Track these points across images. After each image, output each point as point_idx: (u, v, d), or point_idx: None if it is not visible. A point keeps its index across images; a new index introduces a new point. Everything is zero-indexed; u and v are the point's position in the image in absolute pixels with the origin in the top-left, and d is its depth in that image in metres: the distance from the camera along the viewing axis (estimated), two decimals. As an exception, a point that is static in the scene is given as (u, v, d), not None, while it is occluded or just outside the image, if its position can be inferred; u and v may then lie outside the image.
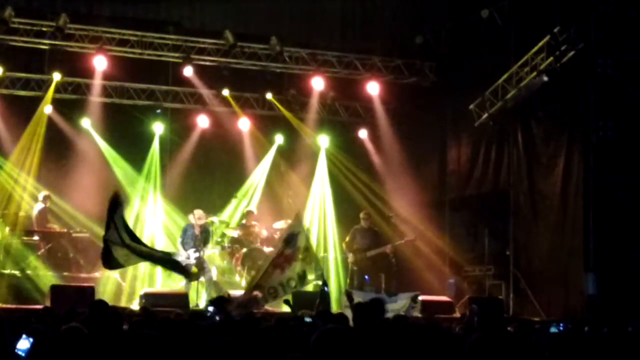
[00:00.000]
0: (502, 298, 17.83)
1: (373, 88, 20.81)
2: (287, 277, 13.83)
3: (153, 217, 20.59)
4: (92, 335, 6.96)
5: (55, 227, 19.03)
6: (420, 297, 16.75)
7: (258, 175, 21.61)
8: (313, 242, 18.86)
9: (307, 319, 9.04)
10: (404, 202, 20.62)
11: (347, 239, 19.27)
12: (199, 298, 17.41)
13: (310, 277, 14.12)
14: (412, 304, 15.36)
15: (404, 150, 21.01)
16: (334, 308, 15.17)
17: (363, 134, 21.93)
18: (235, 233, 19.80)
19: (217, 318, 10.34)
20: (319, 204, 21.84)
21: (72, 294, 15.73)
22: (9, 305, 16.05)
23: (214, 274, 18.96)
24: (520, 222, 18.40)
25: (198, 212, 18.21)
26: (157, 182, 20.85)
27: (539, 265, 17.83)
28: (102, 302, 10.37)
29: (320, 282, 14.26)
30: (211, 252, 18.75)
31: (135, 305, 16.70)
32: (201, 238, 17.92)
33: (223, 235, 19.70)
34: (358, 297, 14.78)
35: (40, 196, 19.12)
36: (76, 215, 19.67)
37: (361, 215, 19.12)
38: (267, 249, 19.96)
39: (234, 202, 20.82)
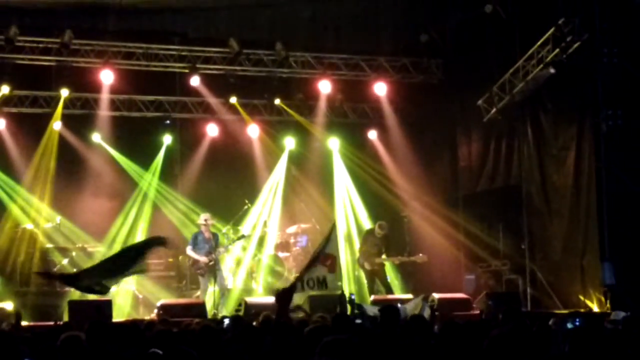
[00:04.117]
0: (520, 292, 17.81)
1: (380, 89, 20.82)
2: (308, 276, 13.72)
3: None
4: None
5: None
6: (437, 295, 16.73)
7: (270, 181, 21.59)
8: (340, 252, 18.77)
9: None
10: (416, 201, 20.60)
11: (360, 245, 19.45)
12: (216, 307, 17.45)
13: (330, 285, 14.06)
14: (425, 303, 15.31)
15: (414, 149, 20.98)
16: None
17: (373, 134, 21.91)
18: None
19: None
20: (348, 206, 21.74)
21: (89, 309, 15.78)
22: (29, 323, 16.08)
23: (230, 281, 19.02)
24: (534, 215, 18.35)
25: (203, 216, 18.33)
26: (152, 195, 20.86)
27: (555, 258, 17.77)
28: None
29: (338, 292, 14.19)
30: (223, 252, 18.64)
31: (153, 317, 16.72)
32: (213, 241, 18.03)
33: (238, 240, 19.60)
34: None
35: None
36: (92, 229, 19.78)
37: (377, 225, 19.04)
38: (282, 254, 20.03)
39: (247, 209, 20.75)
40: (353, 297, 14.21)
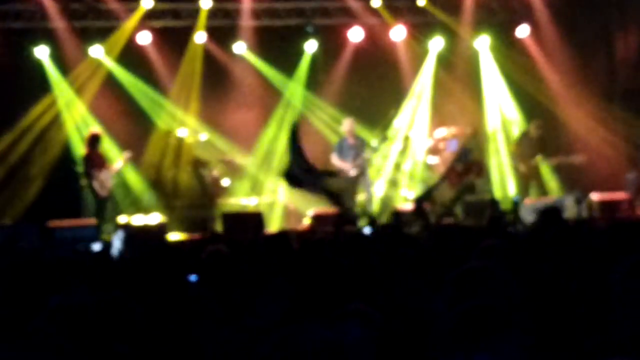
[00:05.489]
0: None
1: (530, -18, 19.90)
2: (457, 192, 13.52)
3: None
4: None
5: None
6: (597, 195, 16.12)
7: (416, 85, 21.09)
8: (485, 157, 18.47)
9: None
10: (571, 98, 19.77)
11: (515, 146, 18.91)
12: (366, 214, 17.29)
13: (479, 189, 13.73)
14: (580, 206, 14.72)
15: (567, 43, 19.97)
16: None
17: (522, 31, 20.94)
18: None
19: None
20: (498, 107, 21.05)
21: (242, 220, 15.98)
22: (184, 236, 16.33)
23: (377, 188, 18.88)
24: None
25: (346, 122, 18.10)
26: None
27: None
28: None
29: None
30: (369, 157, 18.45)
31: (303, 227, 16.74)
32: (358, 145, 17.80)
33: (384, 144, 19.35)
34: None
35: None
36: (239, 140, 19.88)
37: (533, 125, 18.68)
38: (432, 160, 19.67)
39: (393, 114, 20.36)
40: (517, 199, 13.76)
